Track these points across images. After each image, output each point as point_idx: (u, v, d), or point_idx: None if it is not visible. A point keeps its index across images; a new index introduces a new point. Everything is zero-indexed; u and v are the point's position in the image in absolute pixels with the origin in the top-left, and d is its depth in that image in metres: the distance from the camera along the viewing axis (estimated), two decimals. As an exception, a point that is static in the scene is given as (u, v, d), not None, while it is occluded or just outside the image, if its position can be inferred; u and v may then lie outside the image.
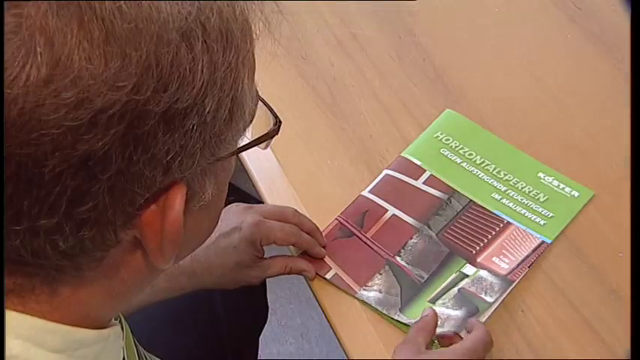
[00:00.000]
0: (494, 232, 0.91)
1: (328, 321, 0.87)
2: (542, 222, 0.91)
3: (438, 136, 1.00)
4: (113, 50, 0.40)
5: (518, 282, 0.86)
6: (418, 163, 0.98)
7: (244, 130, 0.50)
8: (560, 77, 1.08)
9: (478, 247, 0.90)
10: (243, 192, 1.10)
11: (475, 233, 0.91)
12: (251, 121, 0.51)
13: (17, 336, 0.46)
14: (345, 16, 1.20)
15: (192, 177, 0.47)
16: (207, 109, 0.44)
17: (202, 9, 0.43)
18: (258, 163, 1.00)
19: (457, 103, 1.04)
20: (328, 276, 0.88)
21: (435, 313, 0.83)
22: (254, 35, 0.48)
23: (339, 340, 0.85)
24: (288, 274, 0.89)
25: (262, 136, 0.54)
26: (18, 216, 0.42)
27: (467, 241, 0.90)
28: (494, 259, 0.88)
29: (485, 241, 0.90)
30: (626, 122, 0.98)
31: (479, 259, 0.88)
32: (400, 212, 0.93)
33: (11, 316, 0.46)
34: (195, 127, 0.44)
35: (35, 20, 0.39)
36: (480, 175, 0.96)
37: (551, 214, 0.92)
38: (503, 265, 0.87)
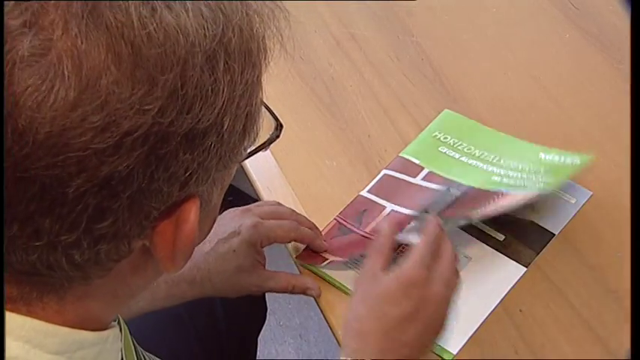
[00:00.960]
0: (492, 201, 0.89)
1: (327, 321, 0.87)
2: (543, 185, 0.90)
3: (436, 135, 1.00)
4: (140, 75, 0.40)
5: None
6: (417, 162, 0.98)
7: (254, 140, 0.51)
8: (558, 77, 1.08)
9: (477, 213, 0.88)
10: (241, 192, 1.10)
11: (474, 204, 0.89)
12: (258, 131, 0.51)
13: (17, 338, 0.46)
14: (344, 17, 1.20)
15: (204, 190, 0.48)
16: (225, 127, 0.45)
17: (225, 30, 0.44)
18: (257, 163, 1.00)
19: (455, 103, 1.04)
20: (324, 264, 0.88)
21: (390, 234, 0.78)
22: (268, 51, 0.49)
23: (337, 340, 0.85)
24: (291, 292, 0.88)
25: (265, 141, 0.55)
26: (38, 233, 0.42)
27: (466, 210, 0.89)
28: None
29: (484, 208, 0.89)
30: (624, 122, 0.98)
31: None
32: (398, 207, 0.93)
33: (11, 318, 0.46)
34: (213, 145, 0.45)
35: (64, 44, 0.39)
36: (479, 166, 0.96)
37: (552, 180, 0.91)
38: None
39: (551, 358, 0.81)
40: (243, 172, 1.00)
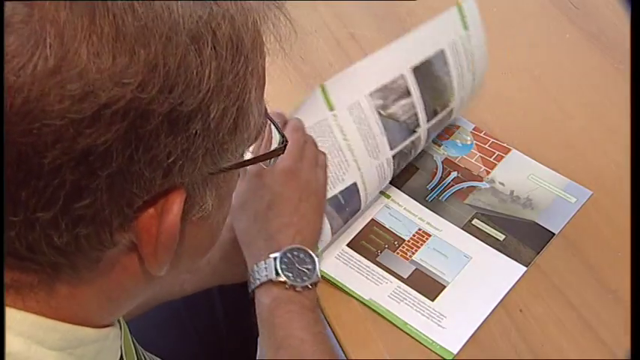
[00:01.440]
0: None
1: (327, 321, 0.86)
2: None
3: None
4: (121, 47, 0.40)
5: None
6: None
7: (249, 143, 0.50)
8: (558, 77, 1.08)
9: None
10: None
11: None
12: (257, 136, 0.51)
13: (18, 333, 0.46)
14: (344, 17, 1.20)
15: (193, 185, 0.47)
16: (212, 116, 0.44)
17: (214, 15, 0.44)
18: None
19: (456, 103, 1.04)
20: None
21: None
22: (265, 49, 0.48)
23: (337, 341, 0.85)
24: None
25: (267, 153, 0.55)
26: (15, 206, 0.42)
27: None
28: None
29: None
30: (624, 122, 0.98)
31: None
32: None
33: (12, 314, 0.46)
34: (198, 133, 0.44)
35: (47, 12, 0.39)
36: None
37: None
38: None
39: (551, 358, 0.81)
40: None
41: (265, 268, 0.78)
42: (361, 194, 0.89)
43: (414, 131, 0.91)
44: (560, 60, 1.11)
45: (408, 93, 0.89)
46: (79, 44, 0.40)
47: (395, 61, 0.91)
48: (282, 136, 0.56)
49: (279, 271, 0.77)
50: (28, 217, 0.42)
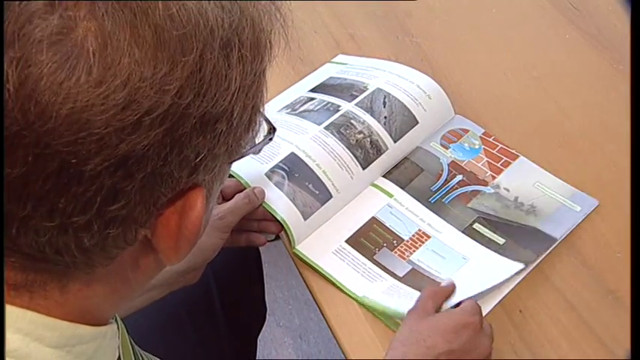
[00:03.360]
0: None
1: (326, 322, 0.87)
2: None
3: None
4: (162, 55, 0.41)
5: None
6: None
7: (254, 136, 0.52)
8: (558, 77, 1.09)
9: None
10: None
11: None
12: (258, 128, 0.53)
13: (16, 330, 0.46)
14: (343, 17, 1.20)
15: (210, 180, 0.49)
16: (235, 115, 0.46)
17: (240, 20, 0.45)
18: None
19: (455, 103, 1.04)
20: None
21: (453, 283, 0.85)
22: (274, 49, 0.50)
23: (337, 341, 0.85)
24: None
25: (258, 143, 0.56)
26: (51, 213, 0.42)
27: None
28: None
29: None
30: (623, 122, 0.98)
31: None
32: None
33: (11, 311, 0.46)
34: (223, 132, 0.46)
35: (89, 23, 0.40)
36: None
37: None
38: None
39: (550, 359, 0.81)
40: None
41: None
42: (307, 161, 0.94)
43: (337, 110, 0.99)
44: (560, 60, 1.11)
45: (310, 99, 1.03)
46: (121, 55, 0.40)
47: (298, 88, 1.07)
48: (269, 123, 0.58)
49: None
50: (63, 222, 0.43)
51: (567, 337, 0.82)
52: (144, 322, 0.82)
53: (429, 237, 0.91)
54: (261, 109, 0.50)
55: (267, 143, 0.58)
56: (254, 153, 0.55)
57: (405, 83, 1.02)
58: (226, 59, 0.44)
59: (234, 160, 0.51)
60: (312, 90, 1.04)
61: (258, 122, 0.50)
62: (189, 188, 0.47)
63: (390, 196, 0.95)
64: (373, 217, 0.94)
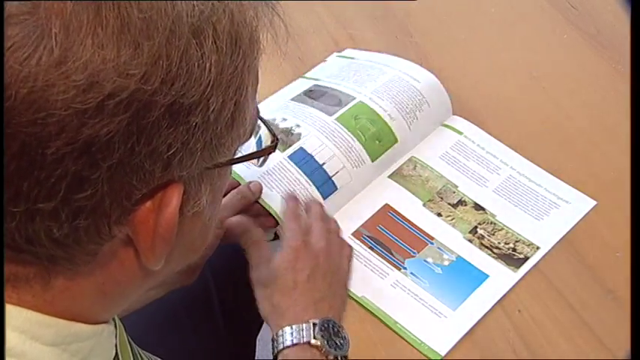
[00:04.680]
0: None
1: (325, 321, 0.86)
2: None
3: None
4: (126, 39, 0.41)
5: None
6: None
7: (244, 139, 0.51)
8: (557, 77, 1.09)
9: None
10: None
11: None
12: (251, 133, 0.52)
13: (13, 328, 0.46)
14: (342, 17, 1.20)
15: (189, 179, 0.48)
16: (211, 109, 0.45)
17: (215, 10, 0.44)
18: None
19: (454, 103, 1.04)
20: None
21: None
22: (261, 47, 0.49)
23: (336, 341, 0.85)
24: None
25: (259, 150, 0.56)
26: (17, 197, 0.42)
27: None
28: None
29: None
30: (622, 122, 0.98)
31: None
32: None
33: (7, 309, 0.46)
34: (197, 125, 0.45)
35: (53, 4, 0.40)
36: None
37: None
38: None
39: (549, 359, 0.81)
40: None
41: (303, 330, 0.79)
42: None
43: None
44: (559, 60, 1.11)
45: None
46: (84, 36, 0.40)
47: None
48: (273, 134, 0.58)
49: (317, 335, 0.79)
50: (29, 208, 0.42)
51: (566, 337, 0.82)
52: (143, 321, 0.82)
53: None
54: (248, 109, 0.49)
55: (270, 153, 0.58)
56: (259, 164, 0.55)
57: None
58: (199, 48, 0.43)
59: (223, 164, 0.49)
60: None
61: (245, 123, 0.49)
62: (165, 184, 0.46)
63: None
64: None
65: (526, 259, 0.89)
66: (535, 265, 0.88)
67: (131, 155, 0.43)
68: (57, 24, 0.40)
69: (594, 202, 0.93)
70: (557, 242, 0.90)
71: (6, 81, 0.39)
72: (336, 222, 0.91)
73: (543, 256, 0.89)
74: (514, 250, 0.90)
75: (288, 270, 0.83)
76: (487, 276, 0.87)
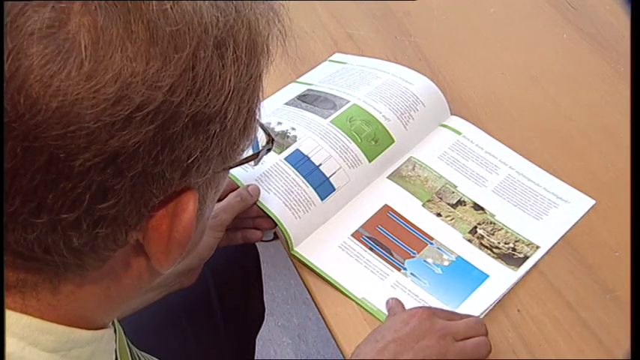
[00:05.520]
0: None
1: (325, 321, 0.87)
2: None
3: None
4: (155, 52, 0.41)
5: None
6: None
7: (251, 142, 0.51)
8: (556, 77, 1.09)
9: None
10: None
11: None
12: (254, 135, 0.53)
13: (12, 334, 0.46)
14: (341, 17, 1.20)
15: (202, 184, 0.48)
16: (229, 117, 0.46)
17: (236, 21, 0.45)
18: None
19: (453, 103, 1.04)
20: None
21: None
22: (271, 54, 0.50)
23: (335, 341, 0.85)
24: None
25: (259, 151, 0.56)
26: (40, 208, 0.42)
27: None
28: None
29: None
30: (622, 122, 0.99)
31: None
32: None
33: (7, 315, 0.46)
34: (216, 134, 0.45)
35: (82, 17, 0.40)
36: None
37: None
38: None
39: (548, 358, 0.81)
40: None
41: None
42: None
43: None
44: (558, 60, 1.11)
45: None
46: (114, 49, 0.40)
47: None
48: (269, 135, 0.58)
49: None
50: (51, 219, 0.42)
51: (565, 337, 0.82)
52: (142, 322, 0.82)
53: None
54: (257, 115, 0.50)
55: (266, 154, 0.58)
56: (254, 164, 0.55)
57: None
58: (220, 59, 0.44)
59: (230, 167, 0.50)
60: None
61: (254, 128, 0.50)
62: (181, 191, 0.46)
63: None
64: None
65: (526, 258, 0.89)
66: (535, 265, 0.88)
67: (154, 165, 0.43)
68: (86, 37, 0.40)
69: (593, 202, 0.93)
70: (557, 241, 0.90)
71: (35, 95, 0.39)
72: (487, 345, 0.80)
73: (543, 256, 0.89)
74: (514, 249, 0.90)
75: (388, 322, 0.80)
76: (487, 276, 0.87)
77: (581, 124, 1.02)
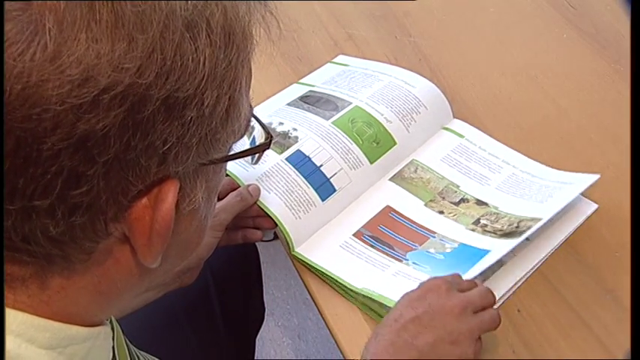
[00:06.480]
0: None
1: (325, 321, 0.87)
2: None
3: None
4: (120, 33, 0.41)
5: None
6: None
7: (238, 135, 0.51)
8: (556, 77, 1.09)
9: None
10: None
11: None
12: (245, 130, 0.52)
13: (8, 332, 0.46)
14: (341, 17, 1.20)
15: (185, 175, 0.48)
16: (206, 103, 0.45)
17: (208, 4, 0.45)
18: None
19: (453, 103, 1.04)
20: None
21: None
22: (254, 42, 0.49)
23: (335, 341, 0.85)
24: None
25: (254, 147, 0.56)
26: (12, 194, 0.42)
27: None
28: None
29: None
30: (622, 122, 0.99)
31: None
32: None
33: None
34: (192, 120, 0.45)
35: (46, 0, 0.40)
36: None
37: None
38: None
39: (549, 358, 0.81)
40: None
41: None
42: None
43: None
44: (558, 60, 1.11)
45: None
46: (78, 30, 0.40)
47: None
48: (267, 132, 0.58)
49: None
50: (25, 205, 0.42)
51: (566, 337, 0.82)
52: (142, 321, 0.82)
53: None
54: (242, 105, 0.49)
55: (264, 151, 0.58)
56: (253, 162, 0.55)
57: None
58: (192, 41, 0.44)
59: (217, 161, 0.49)
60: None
61: (240, 119, 0.49)
62: (161, 180, 0.46)
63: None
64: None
65: (528, 228, 0.88)
66: (535, 266, 0.88)
67: (127, 150, 0.43)
68: (50, 19, 0.40)
69: (596, 206, 0.93)
70: (559, 212, 0.88)
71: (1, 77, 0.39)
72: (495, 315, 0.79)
73: (544, 257, 0.88)
74: (517, 227, 0.89)
75: (405, 300, 0.77)
76: (488, 251, 0.87)
77: (581, 124, 1.02)
